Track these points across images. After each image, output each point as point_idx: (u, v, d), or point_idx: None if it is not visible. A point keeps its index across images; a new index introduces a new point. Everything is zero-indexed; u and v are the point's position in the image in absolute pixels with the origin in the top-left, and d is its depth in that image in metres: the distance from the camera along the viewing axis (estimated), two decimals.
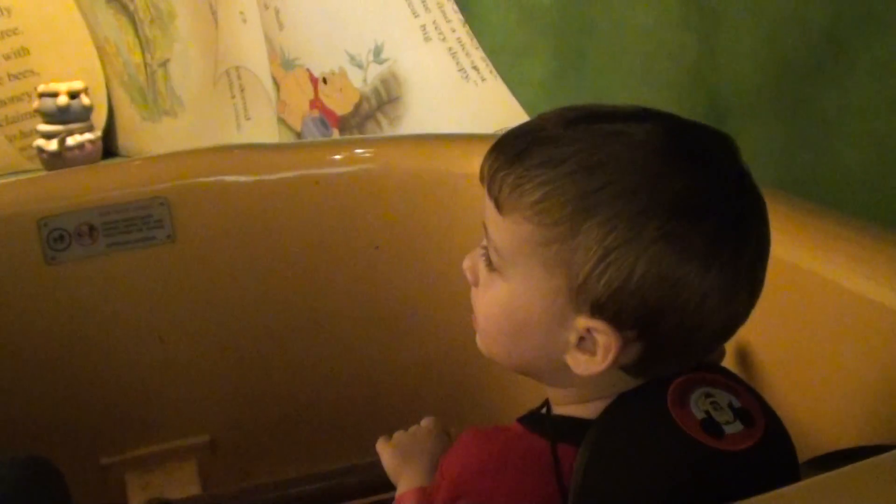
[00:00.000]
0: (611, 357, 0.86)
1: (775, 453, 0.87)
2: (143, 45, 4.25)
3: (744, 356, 1.27)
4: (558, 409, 0.95)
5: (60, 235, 1.66)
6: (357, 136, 1.99)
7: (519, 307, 0.89)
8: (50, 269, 1.67)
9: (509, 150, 0.88)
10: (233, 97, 3.78)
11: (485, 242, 0.93)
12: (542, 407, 0.99)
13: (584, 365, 0.88)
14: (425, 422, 1.19)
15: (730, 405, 0.86)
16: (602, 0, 2.33)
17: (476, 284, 0.95)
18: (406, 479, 1.10)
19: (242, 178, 1.70)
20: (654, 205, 0.82)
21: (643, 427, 0.86)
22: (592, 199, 0.83)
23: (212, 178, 1.69)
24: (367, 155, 1.73)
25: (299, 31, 3.18)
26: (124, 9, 4.30)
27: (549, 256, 0.86)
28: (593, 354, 0.87)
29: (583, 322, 0.86)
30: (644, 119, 0.88)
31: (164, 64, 4.17)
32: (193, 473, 1.80)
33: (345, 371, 1.80)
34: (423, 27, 2.73)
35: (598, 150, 0.84)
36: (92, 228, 1.66)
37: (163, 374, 1.77)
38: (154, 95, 4.32)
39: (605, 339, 0.86)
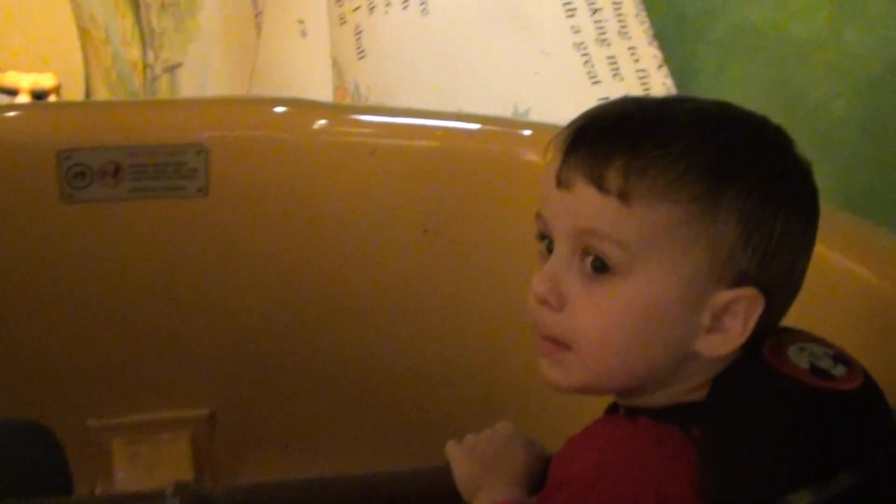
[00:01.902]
0: (753, 322, 0.86)
1: (877, 392, 0.88)
2: (146, 37, 3.26)
3: None
4: (658, 403, 0.91)
5: (81, 172, 1.52)
6: (423, 108, 1.88)
7: (653, 302, 0.86)
8: (64, 207, 1.54)
9: (612, 139, 0.86)
10: None
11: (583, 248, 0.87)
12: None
13: (719, 343, 0.87)
14: (503, 426, 1.05)
15: (825, 353, 0.87)
16: None
17: (562, 307, 0.88)
18: (489, 490, 0.98)
19: (291, 137, 1.57)
20: (778, 170, 0.86)
21: (758, 386, 0.86)
22: (725, 168, 0.85)
23: (259, 132, 1.57)
24: (431, 131, 1.61)
25: (390, 64, 2.43)
26: None
27: (688, 235, 0.84)
28: (726, 332, 0.86)
29: (723, 297, 0.85)
30: (706, 103, 0.92)
31: (171, 69, 3.19)
32: (186, 448, 1.69)
33: (367, 358, 1.68)
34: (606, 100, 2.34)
35: (704, 124, 0.87)
36: (118, 169, 1.53)
37: (170, 338, 1.65)
38: None
39: (749, 306, 0.86)
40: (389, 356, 1.68)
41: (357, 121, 1.64)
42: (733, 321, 0.86)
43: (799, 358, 0.86)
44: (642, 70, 2.28)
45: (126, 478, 1.67)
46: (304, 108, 1.64)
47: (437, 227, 1.59)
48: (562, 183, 0.87)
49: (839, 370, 0.85)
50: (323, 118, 1.59)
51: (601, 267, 0.86)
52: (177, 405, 1.69)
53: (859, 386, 0.85)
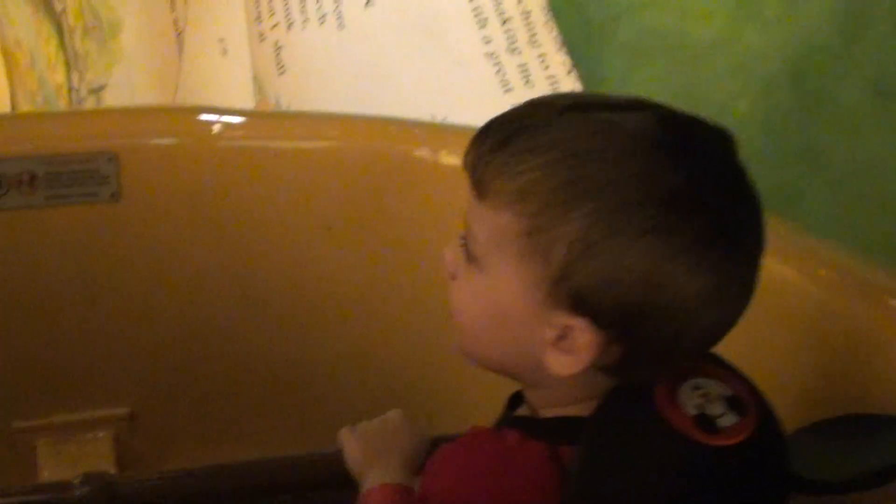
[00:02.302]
0: (589, 357, 0.84)
1: (768, 440, 0.86)
2: (71, 61, 3.23)
3: None
4: (547, 412, 0.92)
5: None
6: (319, 111, 1.94)
7: (496, 300, 0.87)
8: None
9: (495, 136, 0.86)
10: None
11: (464, 232, 0.90)
12: (511, 409, 0.96)
13: (560, 365, 0.85)
14: (393, 413, 1.10)
15: (720, 395, 0.85)
16: (833, 111, 2.13)
17: (455, 278, 0.91)
18: (376, 474, 1.02)
19: (196, 143, 1.63)
20: (643, 197, 0.80)
21: (635, 428, 0.85)
22: (579, 189, 0.81)
23: (167, 140, 1.63)
24: (332, 131, 1.67)
25: (310, 79, 2.48)
26: (48, 8, 3.27)
27: (529, 246, 0.83)
28: (570, 354, 0.85)
29: (562, 319, 0.84)
30: (637, 109, 0.86)
31: (97, 90, 3.16)
32: (109, 446, 1.73)
33: (280, 353, 1.73)
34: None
35: (587, 139, 0.83)
36: (33, 177, 1.58)
37: (89, 339, 1.69)
38: None
39: (585, 338, 0.83)
40: (301, 350, 1.73)
41: (259, 125, 1.69)
42: (574, 346, 0.84)
43: (689, 401, 0.84)
44: (552, 76, 2.34)
45: (52, 477, 1.70)
46: (211, 114, 1.69)
47: (339, 225, 1.64)
48: (465, 166, 0.89)
49: (727, 419, 0.83)
50: (226, 124, 1.65)
51: (469, 255, 0.89)
52: (98, 404, 1.73)
53: (744, 439, 0.83)
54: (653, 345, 0.84)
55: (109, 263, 1.66)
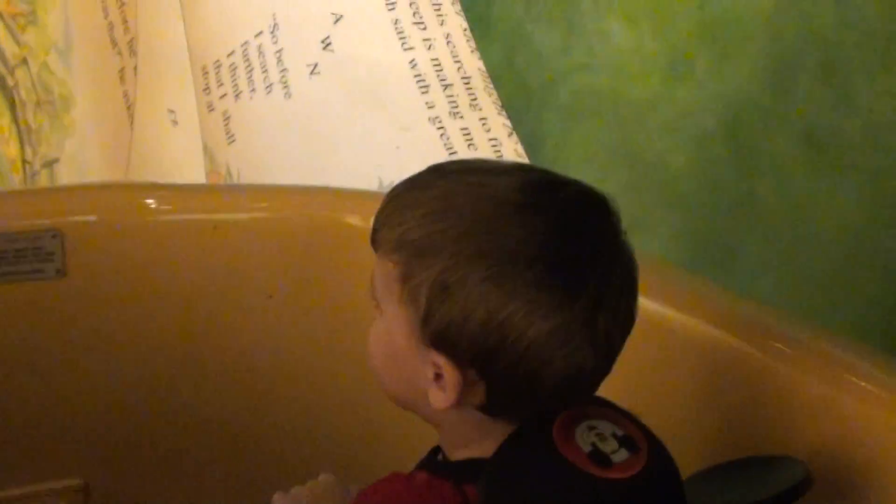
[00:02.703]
0: (455, 393, 0.93)
1: (661, 474, 0.92)
2: (23, 135, 3.31)
3: None
4: (456, 455, 0.99)
5: None
6: (255, 184, 2.00)
7: (390, 341, 0.97)
8: None
9: (391, 193, 0.98)
10: None
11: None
12: (432, 455, 1.04)
13: (437, 399, 0.94)
14: (324, 477, 1.17)
15: (613, 434, 0.91)
16: (766, 162, 2.19)
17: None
18: None
19: (137, 218, 1.67)
20: (486, 249, 0.90)
21: (533, 464, 0.91)
22: (436, 241, 0.91)
23: (109, 215, 1.67)
24: (265, 202, 1.73)
25: (259, 149, 2.56)
26: (0, 83, 3.35)
27: (404, 291, 0.93)
28: (443, 390, 0.94)
29: (431, 357, 0.93)
30: (510, 173, 0.96)
31: (50, 164, 3.24)
32: None
33: (230, 418, 1.76)
34: None
35: (452, 198, 0.93)
36: None
37: (40, 413, 1.71)
38: None
39: (449, 375, 0.93)
40: (251, 414, 1.77)
41: (197, 199, 1.74)
42: (445, 383, 0.93)
43: (584, 438, 0.90)
44: (494, 139, 2.40)
45: None
46: (150, 189, 1.74)
47: (279, 292, 1.69)
48: None
49: (620, 455, 0.90)
50: (165, 198, 1.70)
51: (374, 302, 1.00)
52: (52, 477, 1.74)
53: (635, 473, 0.89)
54: (511, 384, 0.92)
55: (57, 338, 1.69)
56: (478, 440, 0.96)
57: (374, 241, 0.97)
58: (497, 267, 0.89)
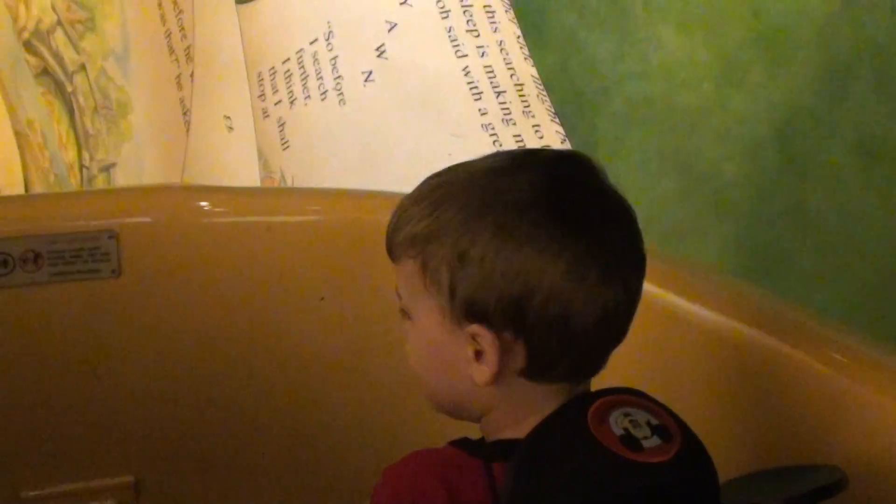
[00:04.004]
0: (495, 359, 0.94)
1: (693, 467, 0.94)
2: (81, 140, 3.34)
3: None
4: (493, 437, 1.00)
5: (4, 260, 1.65)
6: (307, 187, 2.02)
7: (427, 340, 0.99)
8: None
9: (395, 210, 1.02)
10: None
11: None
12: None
13: (480, 374, 0.96)
14: None
15: (648, 423, 0.93)
16: (818, 171, 2.23)
17: (406, 341, 1.03)
18: None
19: (194, 219, 1.70)
20: (487, 207, 0.93)
21: (564, 443, 0.93)
22: (442, 223, 0.95)
23: (164, 217, 1.69)
24: (317, 206, 1.75)
25: (313, 155, 2.59)
26: (59, 89, 3.35)
27: (426, 281, 0.96)
28: (485, 363, 0.95)
29: (467, 331, 0.95)
30: (494, 156, 1.01)
31: (107, 168, 3.28)
32: None
33: (279, 419, 1.77)
34: None
35: (446, 187, 0.97)
36: (37, 256, 1.65)
37: (93, 410, 1.74)
38: None
39: (487, 343, 0.94)
40: (300, 416, 1.78)
41: (250, 202, 1.76)
42: (486, 354, 0.95)
43: (618, 423, 0.92)
44: (547, 146, 2.41)
45: None
46: (204, 192, 1.77)
47: (330, 295, 1.71)
48: None
49: (651, 442, 0.91)
50: (219, 201, 1.72)
51: (404, 314, 1.02)
52: (104, 473, 1.77)
53: (665, 460, 0.90)
54: (546, 336, 0.94)
55: (111, 336, 1.72)
56: (521, 420, 0.97)
57: (390, 252, 1.01)
58: (502, 219, 0.93)
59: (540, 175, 0.96)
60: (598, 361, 0.99)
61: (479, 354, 0.95)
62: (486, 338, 0.94)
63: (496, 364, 0.95)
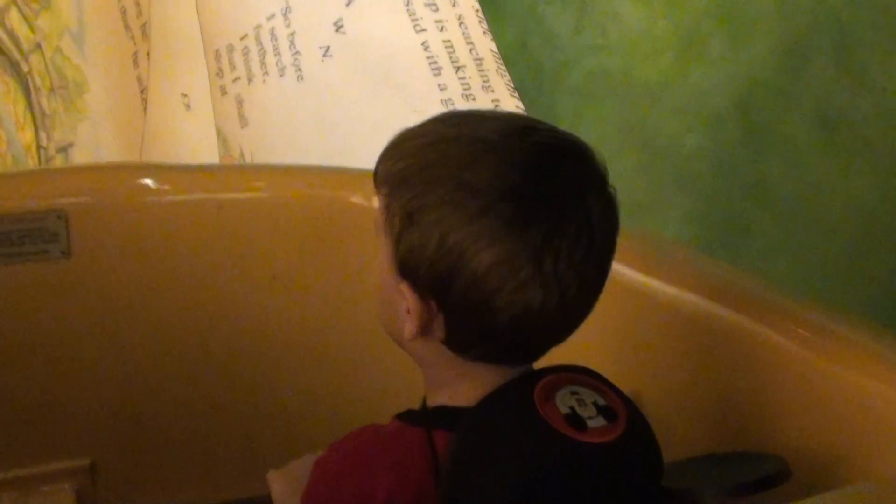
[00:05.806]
0: (416, 322, 0.95)
1: (637, 448, 0.94)
2: (38, 120, 3.28)
3: None
4: (433, 399, 1.00)
5: None
6: (258, 164, 2.00)
7: (380, 272, 1.00)
8: None
9: (395, 136, 1.02)
10: None
11: None
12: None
13: (407, 330, 0.97)
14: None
15: (594, 402, 0.93)
16: (779, 143, 2.23)
17: None
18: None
19: (139, 198, 1.68)
20: (444, 179, 0.93)
21: (508, 418, 0.93)
22: (411, 173, 0.95)
23: (113, 196, 1.67)
24: (269, 182, 1.73)
25: (272, 132, 2.57)
26: (14, 69, 3.30)
27: (385, 222, 0.97)
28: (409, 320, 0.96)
29: (400, 286, 0.96)
30: (498, 119, 0.99)
31: (64, 149, 3.19)
32: (72, 498, 1.76)
33: (234, 399, 1.76)
34: None
35: (437, 138, 0.96)
36: None
37: (48, 394, 1.71)
38: None
39: (412, 304, 0.95)
40: (257, 395, 1.76)
41: (198, 179, 1.74)
42: (411, 313, 0.96)
43: (564, 401, 0.92)
44: None
45: None
46: (152, 170, 1.74)
47: (283, 272, 1.69)
48: None
49: (596, 422, 0.91)
50: (164, 178, 1.70)
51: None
52: (60, 457, 1.75)
53: (607, 441, 0.91)
54: (466, 315, 0.94)
55: (63, 317, 1.69)
56: (453, 383, 0.98)
57: (374, 178, 1.00)
58: (452, 194, 0.92)
59: (517, 161, 0.93)
60: (532, 353, 0.98)
61: (409, 310, 0.96)
62: (411, 299, 0.95)
63: (417, 327, 0.96)
